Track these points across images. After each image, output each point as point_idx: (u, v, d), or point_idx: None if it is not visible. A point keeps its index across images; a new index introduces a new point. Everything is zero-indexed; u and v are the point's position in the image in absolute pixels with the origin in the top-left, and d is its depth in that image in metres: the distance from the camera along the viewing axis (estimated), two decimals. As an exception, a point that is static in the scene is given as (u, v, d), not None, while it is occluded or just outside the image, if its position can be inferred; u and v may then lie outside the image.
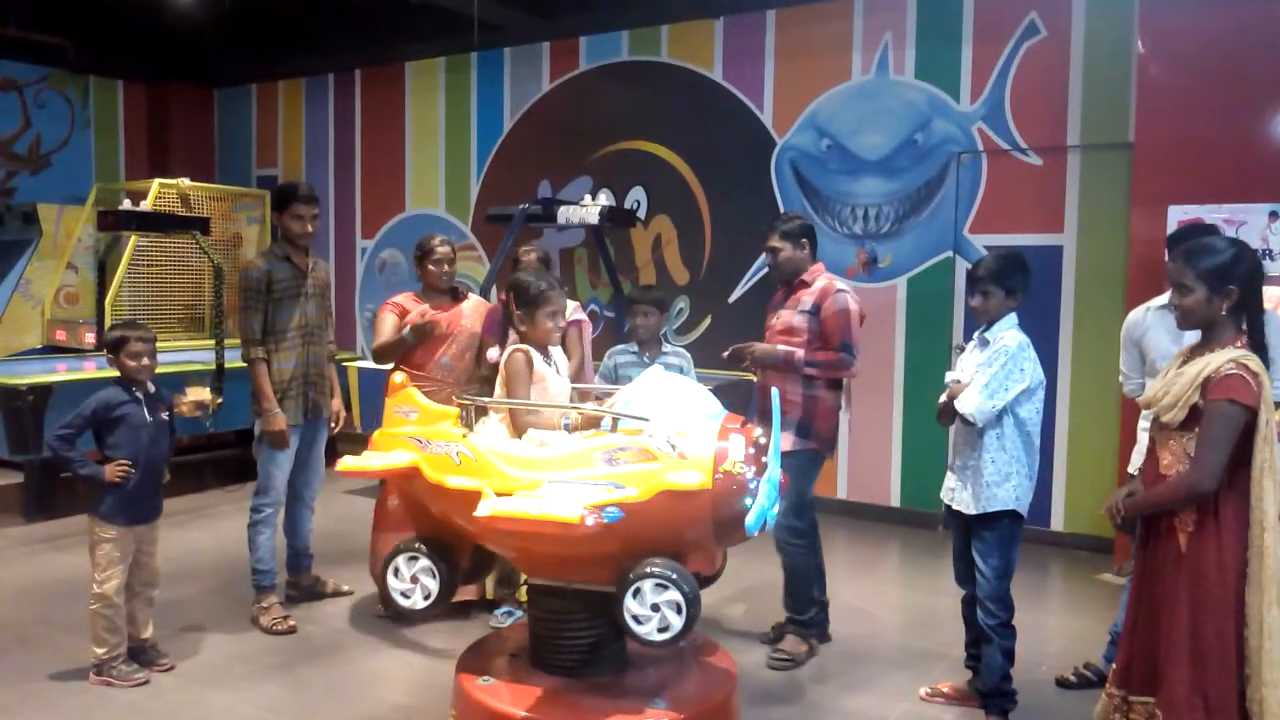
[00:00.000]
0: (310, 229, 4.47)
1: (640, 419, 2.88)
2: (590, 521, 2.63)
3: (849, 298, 4.14)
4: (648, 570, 2.75)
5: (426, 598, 3.02)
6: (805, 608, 4.22)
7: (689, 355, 4.51)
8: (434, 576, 3.02)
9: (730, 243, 7.15)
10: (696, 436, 2.80)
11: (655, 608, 2.74)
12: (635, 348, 4.39)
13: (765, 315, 4.39)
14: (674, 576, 2.73)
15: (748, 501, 2.73)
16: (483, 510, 2.75)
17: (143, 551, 3.93)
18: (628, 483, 2.77)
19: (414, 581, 3.03)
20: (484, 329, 4.67)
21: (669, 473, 2.74)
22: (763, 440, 2.90)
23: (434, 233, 4.78)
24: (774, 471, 2.82)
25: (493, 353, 4.26)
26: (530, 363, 3.23)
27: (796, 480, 4.07)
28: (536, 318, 3.28)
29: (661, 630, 2.76)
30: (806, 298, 4.17)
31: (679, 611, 2.73)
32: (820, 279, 4.21)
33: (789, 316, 4.19)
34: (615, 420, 2.93)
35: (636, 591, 2.75)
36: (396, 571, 3.05)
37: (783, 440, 4.05)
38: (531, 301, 3.29)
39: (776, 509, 2.84)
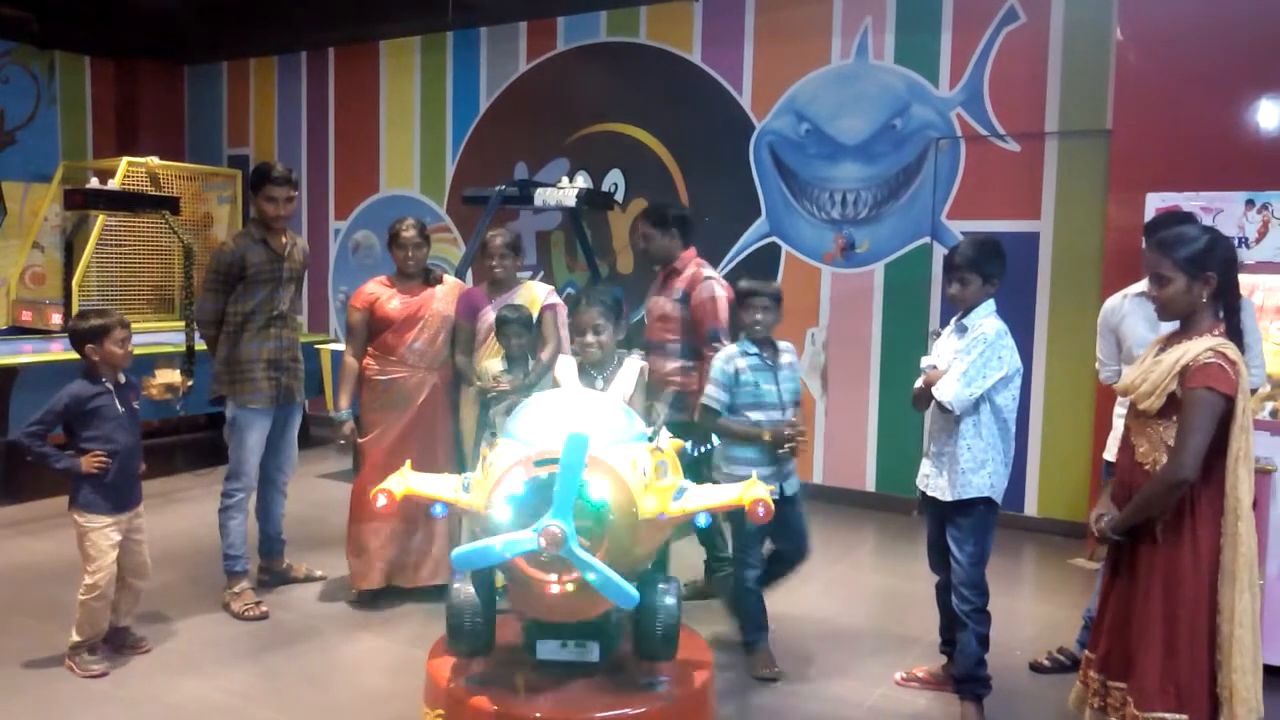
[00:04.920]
0: (284, 211, 4.38)
1: (493, 435, 3.02)
2: (379, 501, 2.86)
3: (716, 284, 4.35)
4: None
5: None
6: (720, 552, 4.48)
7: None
8: None
9: (709, 227, 7.10)
10: (503, 463, 2.77)
11: None
12: None
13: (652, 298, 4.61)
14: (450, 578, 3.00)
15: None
16: None
17: (130, 540, 3.86)
18: (474, 489, 2.91)
19: None
20: (457, 312, 4.62)
21: (476, 490, 2.85)
22: (545, 477, 2.64)
23: (405, 216, 4.67)
24: (544, 520, 2.56)
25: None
26: (556, 371, 3.47)
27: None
28: (573, 335, 3.51)
29: None
30: (678, 285, 4.42)
31: None
32: (690, 266, 4.43)
33: (663, 304, 4.45)
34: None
35: None
36: None
37: (664, 413, 4.11)
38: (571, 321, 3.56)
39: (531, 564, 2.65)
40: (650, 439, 2.99)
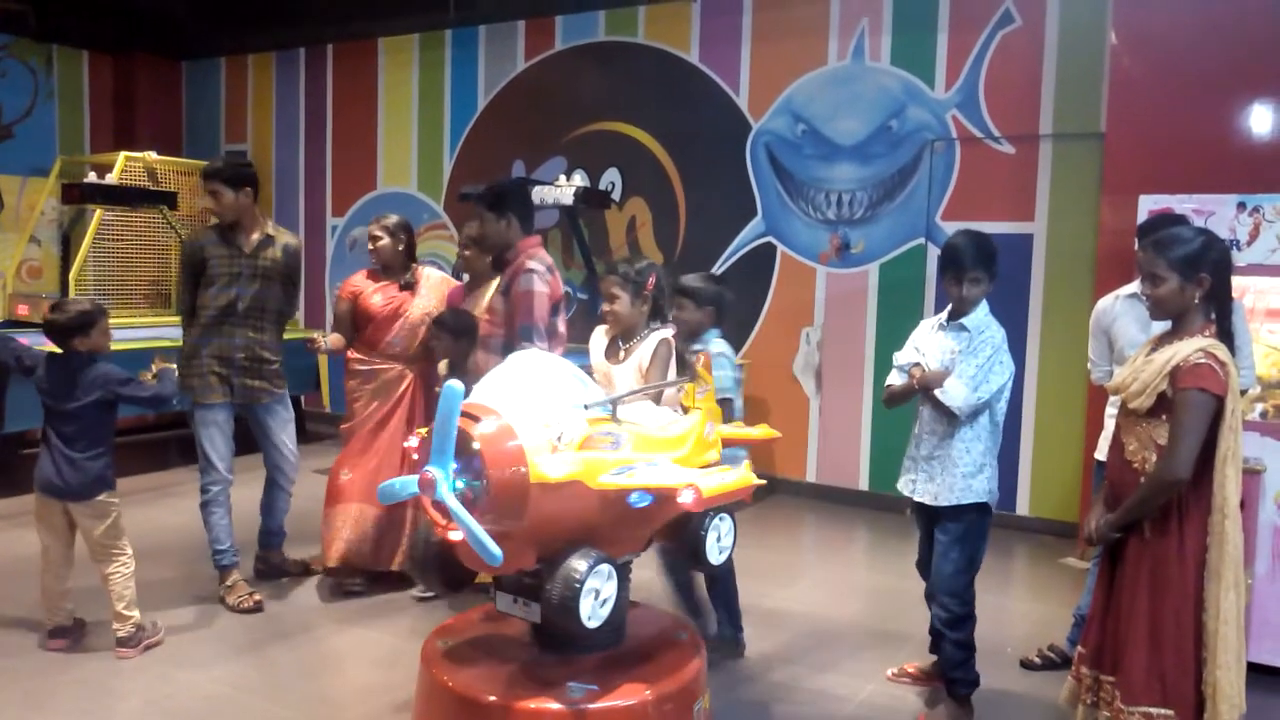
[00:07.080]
0: (211, 206, 4.29)
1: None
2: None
3: (536, 278, 3.86)
4: None
5: None
6: None
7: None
8: None
9: (705, 226, 7.15)
10: None
11: None
12: None
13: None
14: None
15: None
16: None
17: None
18: None
19: None
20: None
21: None
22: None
23: (384, 214, 4.71)
24: (426, 468, 2.54)
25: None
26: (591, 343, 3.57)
27: None
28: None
29: None
30: (505, 275, 4.02)
31: None
32: (519, 256, 3.97)
33: (493, 297, 4.14)
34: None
35: None
36: None
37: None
38: None
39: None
40: (585, 407, 2.84)
